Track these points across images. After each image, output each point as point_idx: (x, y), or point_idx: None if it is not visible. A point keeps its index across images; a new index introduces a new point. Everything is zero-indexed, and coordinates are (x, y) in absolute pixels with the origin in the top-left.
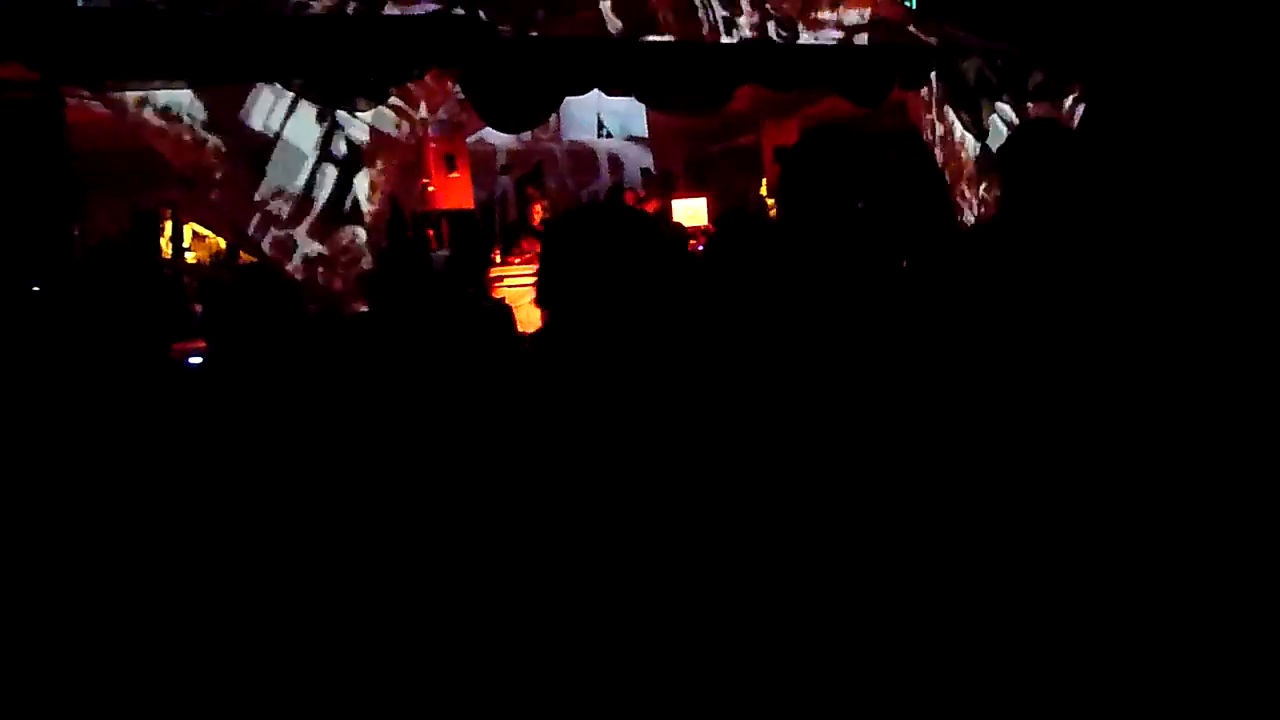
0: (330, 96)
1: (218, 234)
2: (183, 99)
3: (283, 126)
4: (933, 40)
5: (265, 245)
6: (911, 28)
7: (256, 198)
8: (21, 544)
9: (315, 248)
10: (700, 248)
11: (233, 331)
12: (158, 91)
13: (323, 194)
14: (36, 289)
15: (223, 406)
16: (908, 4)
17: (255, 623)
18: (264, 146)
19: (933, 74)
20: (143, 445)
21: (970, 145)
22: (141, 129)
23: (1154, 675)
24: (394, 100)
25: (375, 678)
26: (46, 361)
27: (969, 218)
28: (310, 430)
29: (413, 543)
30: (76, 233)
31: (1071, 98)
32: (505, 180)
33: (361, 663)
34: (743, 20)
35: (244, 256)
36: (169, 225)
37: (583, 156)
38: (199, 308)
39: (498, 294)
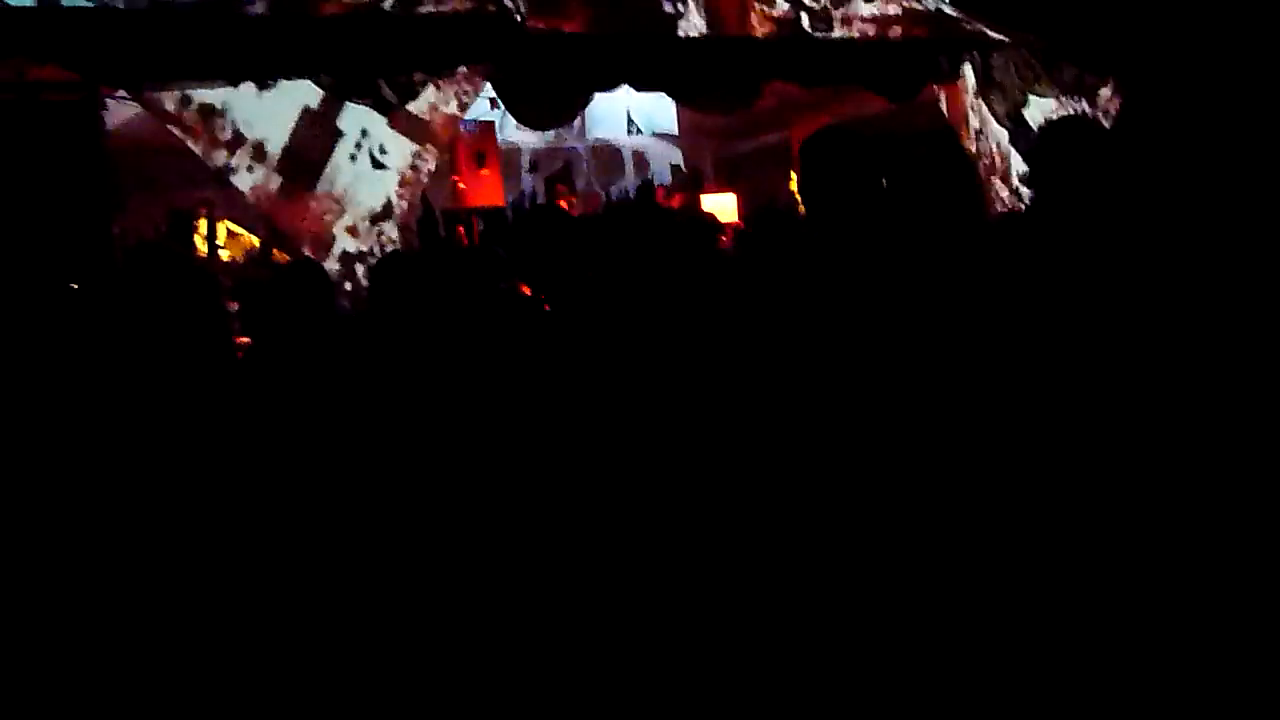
0: (362, 94)
1: (252, 233)
2: (219, 98)
3: (316, 124)
4: (966, 33)
5: (301, 244)
6: (945, 19)
7: (292, 196)
8: (53, 539)
9: (353, 244)
10: (731, 243)
11: (276, 326)
12: (195, 91)
13: (356, 192)
14: (76, 287)
15: (262, 401)
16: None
17: (280, 613)
18: (298, 145)
19: (967, 68)
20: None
21: (1005, 139)
22: (178, 128)
23: (1154, 675)
24: (426, 97)
25: (396, 667)
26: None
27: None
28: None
29: (436, 538)
30: (116, 232)
31: (1107, 91)
32: (532, 179)
33: (385, 653)
34: (775, 11)
35: (278, 255)
36: (204, 224)
37: (608, 155)
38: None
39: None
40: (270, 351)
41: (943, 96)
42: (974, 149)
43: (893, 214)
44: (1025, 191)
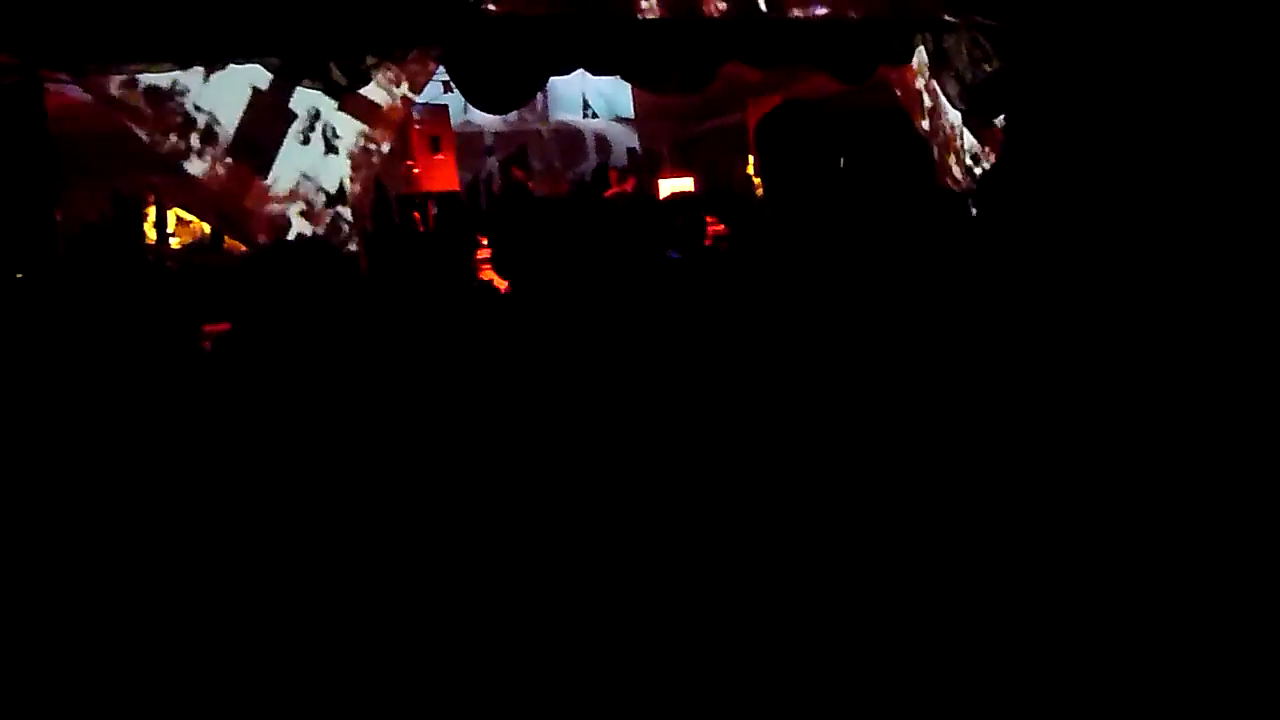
0: (313, 76)
1: (202, 219)
2: (165, 81)
3: (267, 107)
4: (918, 14)
5: (255, 229)
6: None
7: (244, 181)
8: (27, 536)
9: (308, 229)
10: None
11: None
12: (141, 74)
13: (309, 176)
14: (20, 275)
15: (244, 386)
16: None
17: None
18: (249, 129)
19: (919, 49)
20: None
21: (958, 119)
22: (123, 112)
23: (1154, 675)
24: (378, 80)
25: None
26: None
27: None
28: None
29: (411, 530)
30: (59, 219)
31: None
32: (492, 161)
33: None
34: None
35: (230, 242)
36: (153, 210)
37: (570, 137)
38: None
39: (484, 276)
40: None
41: (895, 77)
42: (927, 128)
43: (849, 192)
44: (979, 169)
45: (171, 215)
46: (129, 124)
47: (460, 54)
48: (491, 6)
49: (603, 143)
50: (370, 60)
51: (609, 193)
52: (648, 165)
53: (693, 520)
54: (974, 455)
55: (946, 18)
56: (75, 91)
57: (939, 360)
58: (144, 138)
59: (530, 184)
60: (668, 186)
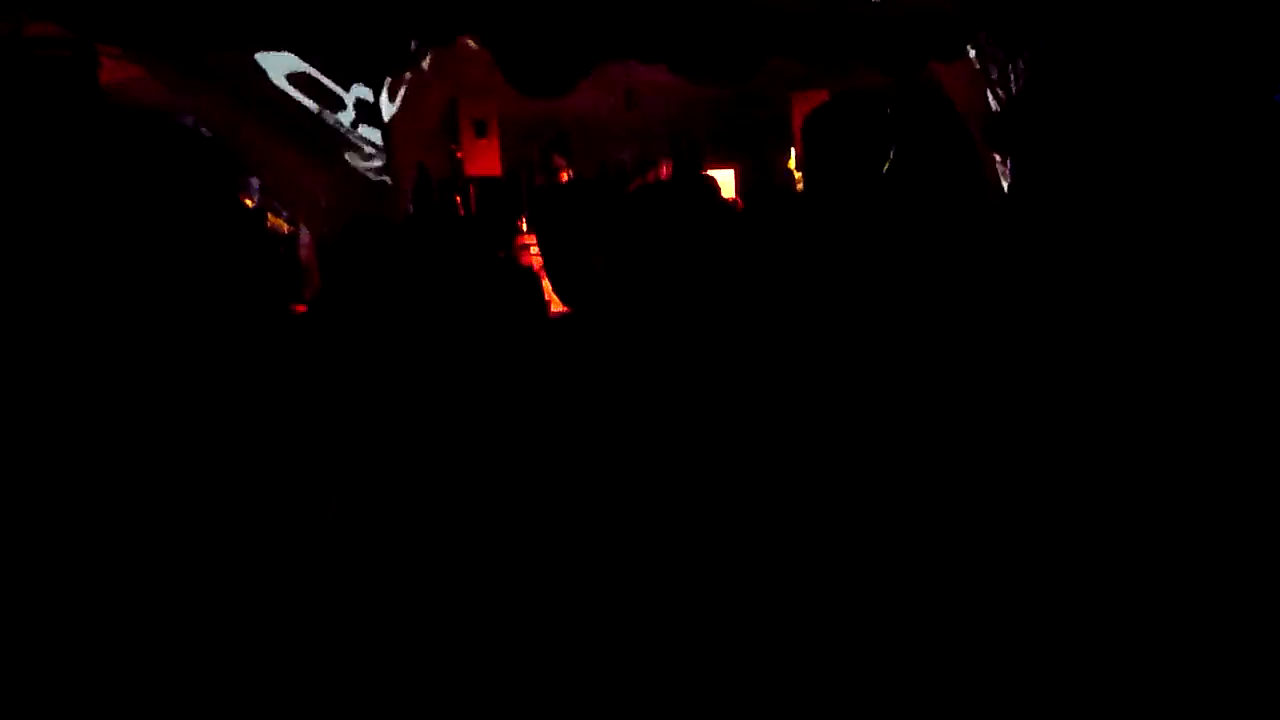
0: (360, 60)
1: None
2: (216, 60)
3: (315, 90)
4: (970, 12)
5: (300, 209)
6: None
7: (289, 160)
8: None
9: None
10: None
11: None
12: (194, 51)
13: (355, 159)
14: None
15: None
16: None
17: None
18: (296, 110)
19: (969, 47)
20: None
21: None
22: (175, 89)
23: (1154, 675)
24: (424, 65)
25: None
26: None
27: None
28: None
29: (427, 527)
30: None
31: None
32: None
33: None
34: None
35: (272, 219)
36: None
37: (610, 126)
38: None
39: (526, 261)
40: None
41: (943, 73)
42: (974, 127)
43: (899, 189)
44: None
45: None
46: (181, 100)
47: (505, 38)
48: None
49: (644, 131)
50: (415, 45)
51: (637, 183)
52: (688, 154)
53: (697, 519)
54: (983, 454)
55: (999, 14)
56: (130, 67)
57: (960, 357)
58: (193, 114)
59: (568, 171)
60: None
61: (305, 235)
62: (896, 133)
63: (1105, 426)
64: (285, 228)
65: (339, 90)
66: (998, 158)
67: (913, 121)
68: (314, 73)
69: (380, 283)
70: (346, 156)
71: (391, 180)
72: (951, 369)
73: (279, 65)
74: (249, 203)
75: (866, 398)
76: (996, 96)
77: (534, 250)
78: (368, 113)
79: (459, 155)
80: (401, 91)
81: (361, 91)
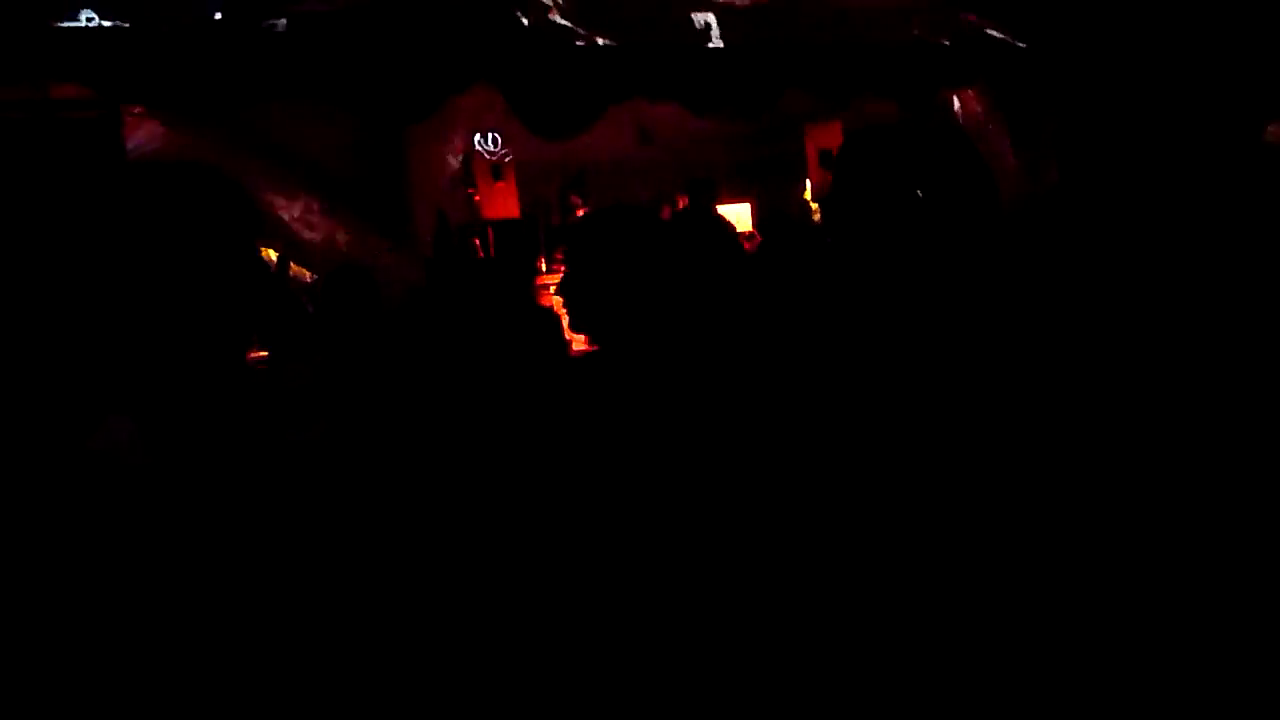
0: (380, 108)
1: (269, 246)
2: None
3: (337, 139)
4: (981, 41)
5: (317, 258)
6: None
7: (308, 211)
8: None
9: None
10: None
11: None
12: (217, 107)
13: (374, 204)
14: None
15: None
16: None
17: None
18: (317, 159)
19: (981, 76)
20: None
21: (1014, 148)
22: (196, 142)
23: (1154, 675)
24: (443, 112)
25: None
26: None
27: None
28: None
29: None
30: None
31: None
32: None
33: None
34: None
35: (294, 269)
36: None
37: (625, 163)
38: None
39: (545, 302)
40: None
41: (956, 102)
42: (986, 154)
43: (925, 212)
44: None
45: None
46: (201, 154)
47: (520, 83)
48: (550, 35)
49: (659, 168)
50: (434, 92)
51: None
52: (703, 190)
53: (697, 520)
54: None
55: (1009, 45)
56: (152, 124)
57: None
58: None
59: (585, 209)
60: (724, 213)
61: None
62: (921, 161)
63: (1111, 438)
64: (307, 276)
65: (362, 138)
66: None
67: (936, 154)
68: (337, 121)
69: (374, 328)
70: (368, 199)
71: (411, 225)
72: (970, 388)
73: (306, 114)
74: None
75: (885, 423)
76: (1006, 122)
77: (553, 290)
78: (389, 161)
79: (476, 199)
80: (419, 139)
81: (381, 141)
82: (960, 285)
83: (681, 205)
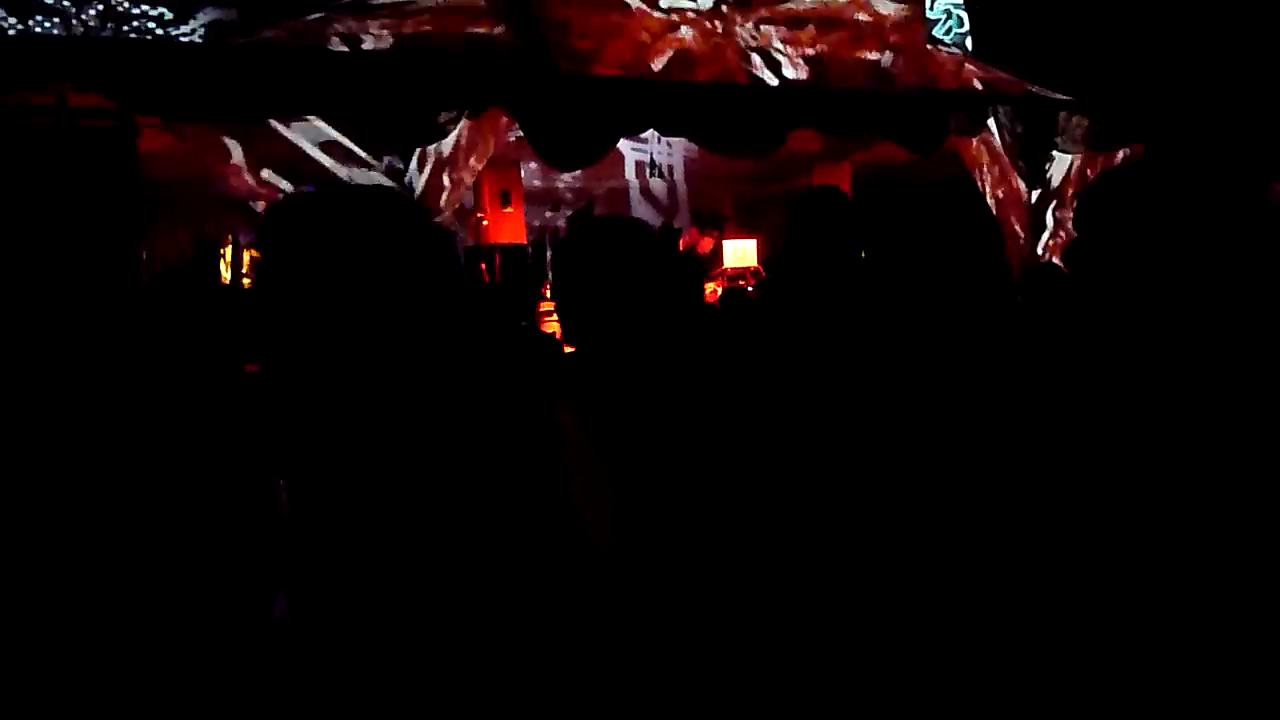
0: (390, 130)
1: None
2: (249, 129)
3: (345, 158)
4: (990, 87)
5: None
6: (969, 72)
7: None
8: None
9: None
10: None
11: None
12: (227, 121)
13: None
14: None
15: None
16: (958, 47)
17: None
18: (326, 178)
19: (990, 121)
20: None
21: (1026, 193)
22: (209, 157)
23: (1155, 676)
24: (454, 135)
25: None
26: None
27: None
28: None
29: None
30: (144, 257)
31: (1126, 150)
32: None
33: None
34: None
35: None
36: (229, 250)
37: (633, 194)
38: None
39: (547, 328)
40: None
41: (964, 148)
42: (994, 201)
43: (883, 274)
44: (1051, 243)
45: (247, 256)
46: (213, 167)
47: (534, 111)
48: (569, 66)
49: (669, 201)
50: (445, 116)
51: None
52: (712, 224)
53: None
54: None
55: (1017, 90)
56: (167, 136)
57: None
58: (226, 181)
59: None
60: (732, 248)
61: None
62: (868, 225)
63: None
64: None
65: (370, 159)
66: (1020, 232)
67: (926, 197)
68: (347, 142)
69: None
70: None
71: None
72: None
73: (312, 133)
74: None
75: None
76: (1017, 168)
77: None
78: (398, 182)
79: (484, 224)
80: (430, 162)
81: (392, 161)
82: (928, 336)
83: (690, 239)
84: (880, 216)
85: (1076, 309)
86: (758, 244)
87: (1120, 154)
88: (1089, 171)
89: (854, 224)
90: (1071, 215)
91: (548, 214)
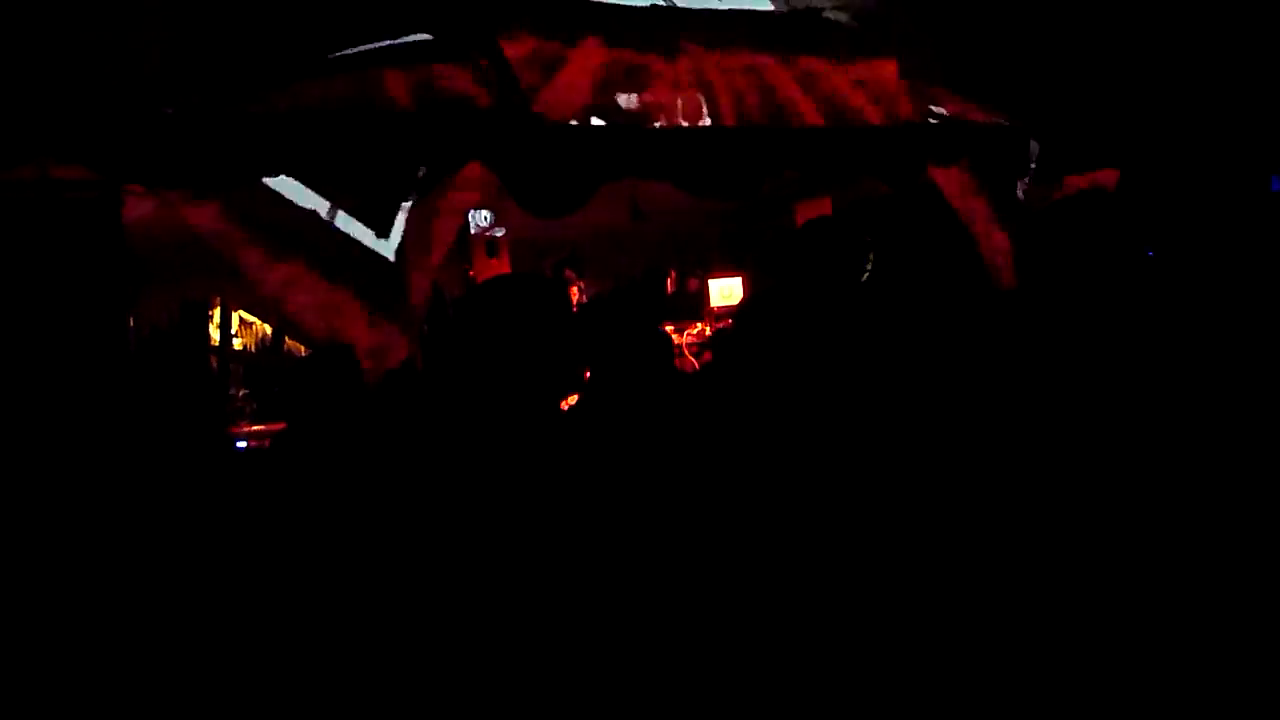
0: (371, 190)
1: (264, 321)
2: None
3: (329, 218)
4: (964, 120)
5: (316, 332)
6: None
7: (306, 287)
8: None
9: (367, 334)
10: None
11: (309, 407)
12: (212, 186)
13: (370, 282)
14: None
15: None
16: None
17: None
18: (312, 239)
19: (965, 154)
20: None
21: (1001, 222)
22: (195, 221)
23: (1154, 675)
24: (437, 191)
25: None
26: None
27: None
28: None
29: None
30: (131, 324)
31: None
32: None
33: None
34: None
35: (289, 343)
36: (217, 313)
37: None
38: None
39: None
40: (303, 432)
41: (940, 180)
42: (971, 231)
43: (878, 295)
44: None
45: (235, 317)
46: (199, 231)
47: (513, 161)
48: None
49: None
50: (424, 170)
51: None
52: (698, 266)
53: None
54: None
55: (992, 123)
56: (151, 203)
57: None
58: (212, 245)
59: (580, 284)
60: (718, 287)
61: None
62: (871, 247)
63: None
64: (301, 350)
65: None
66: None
67: (904, 230)
68: (328, 200)
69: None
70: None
71: (406, 301)
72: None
73: (294, 192)
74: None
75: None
76: (991, 198)
77: None
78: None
79: (471, 274)
80: (413, 215)
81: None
82: (919, 350)
83: (674, 281)
84: (878, 240)
85: (1057, 320)
86: (742, 281)
87: (1088, 179)
88: (1057, 196)
89: (862, 248)
90: (1044, 238)
91: (535, 262)
